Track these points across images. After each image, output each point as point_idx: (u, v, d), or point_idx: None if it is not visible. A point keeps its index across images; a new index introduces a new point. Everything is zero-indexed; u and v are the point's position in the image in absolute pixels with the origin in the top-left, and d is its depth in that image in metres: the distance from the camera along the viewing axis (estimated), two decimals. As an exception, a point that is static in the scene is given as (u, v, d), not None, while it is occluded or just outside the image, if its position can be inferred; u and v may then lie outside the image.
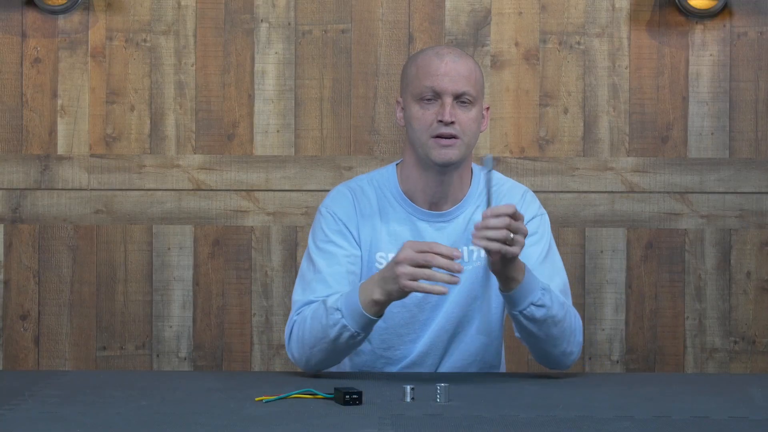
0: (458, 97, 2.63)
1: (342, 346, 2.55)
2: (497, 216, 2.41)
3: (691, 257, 3.83)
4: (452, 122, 2.61)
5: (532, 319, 2.54)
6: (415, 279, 2.42)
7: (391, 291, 2.47)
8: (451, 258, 2.41)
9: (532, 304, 2.52)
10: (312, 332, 2.56)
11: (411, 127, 2.66)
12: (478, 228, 2.42)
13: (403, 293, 2.47)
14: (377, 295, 2.48)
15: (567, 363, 2.63)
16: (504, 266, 2.47)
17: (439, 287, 2.42)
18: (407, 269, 2.42)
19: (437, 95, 2.63)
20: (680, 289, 3.84)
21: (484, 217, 2.42)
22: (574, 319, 2.61)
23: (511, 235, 2.42)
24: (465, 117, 2.63)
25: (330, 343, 2.54)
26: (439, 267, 2.41)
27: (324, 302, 2.57)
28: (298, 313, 2.63)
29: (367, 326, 2.53)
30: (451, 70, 2.63)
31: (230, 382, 2.57)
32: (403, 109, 2.70)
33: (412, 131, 2.66)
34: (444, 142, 2.62)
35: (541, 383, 2.58)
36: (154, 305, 3.83)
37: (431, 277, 2.42)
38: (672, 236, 3.83)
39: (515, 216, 2.42)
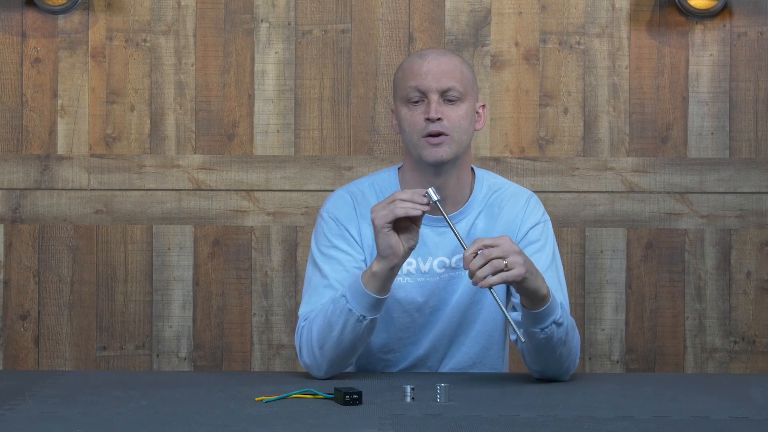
0: (444, 94, 2.61)
1: (349, 337, 2.53)
2: (471, 256, 2.39)
3: (691, 257, 3.83)
4: (439, 119, 2.60)
5: (550, 338, 2.51)
6: (385, 208, 2.46)
7: (383, 253, 2.46)
8: (412, 200, 2.45)
9: (554, 322, 2.49)
10: (319, 331, 2.55)
11: (402, 130, 2.65)
12: (471, 277, 2.39)
13: (395, 255, 2.46)
14: (375, 267, 2.49)
15: (562, 378, 2.61)
16: (525, 287, 2.43)
17: (412, 209, 2.45)
18: (376, 208, 2.47)
19: (423, 95, 2.62)
20: (680, 289, 3.84)
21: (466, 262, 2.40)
22: (577, 340, 2.59)
23: (504, 262, 2.37)
24: (453, 113, 2.61)
25: (337, 337, 2.52)
26: (405, 209, 2.44)
27: (331, 298, 2.58)
28: (305, 319, 2.62)
29: (371, 307, 2.51)
30: (433, 67, 2.61)
31: (230, 382, 2.57)
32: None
33: (404, 134, 2.65)
34: (434, 140, 2.60)
35: (541, 383, 2.58)
36: (154, 305, 3.83)
37: (402, 206, 2.46)
38: (672, 236, 3.84)
39: (488, 245, 2.39)
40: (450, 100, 2.62)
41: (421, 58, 2.64)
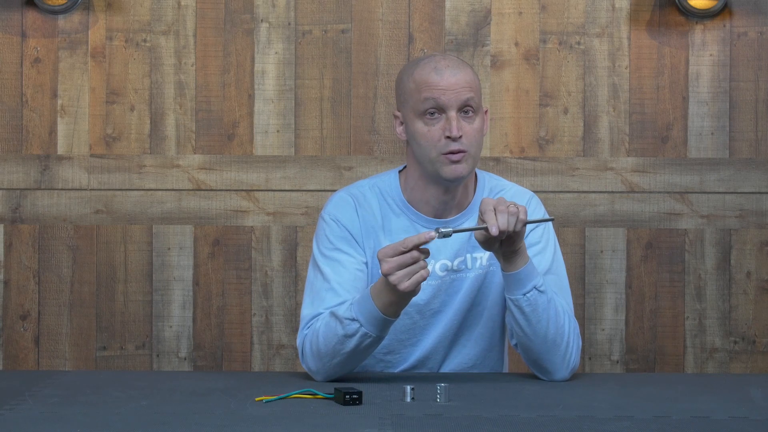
0: (462, 108, 2.60)
1: (362, 353, 2.55)
2: (495, 220, 2.44)
3: (691, 257, 3.83)
4: (460, 137, 2.59)
5: (535, 307, 2.53)
6: (410, 275, 2.43)
7: (402, 294, 2.46)
8: (426, 242, 2.42)
9: (536, 288, 2.52)
10: (328, 345, 2.54)
11: (417, 143, 2.62)
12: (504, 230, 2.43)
13: (414, 291, 2.47)
14: (397, 298, 2.47)
15: (560, 373, 2.60)
16: (520, 235, 2.48)
17: (427, 270, 2.44)
18: (398, 275, 2.43)
19: (441, 109, 2.60)
20: (680, 289, 3.84)
21: (489, 223, 2.44)
22: (573, 333, 2.59)
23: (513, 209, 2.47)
24: (470, 129, 2.60)
25: (350, 353, 2.54)
26: (428, 269, 2.45)
27: (334, 314, 2.55)
28: (308, 327, 2.61)
29: (387, 328, 2.54)
30: (452, 83, 2.59)
31: (230, 382, 2.57)
32: (402, 123, 2.67)
33: (418, 148, 2.63)
34: (454, 157, 2.59)
35: (541, 383, 2.58)
36: (154, 305, 3.83)
37: (423, 267, 2.44)
38: (672, 236, 3.84)
39: (489, 209, 2.45)
40: (465, 112, 2.61)
41: (438, 73, 2.60)
